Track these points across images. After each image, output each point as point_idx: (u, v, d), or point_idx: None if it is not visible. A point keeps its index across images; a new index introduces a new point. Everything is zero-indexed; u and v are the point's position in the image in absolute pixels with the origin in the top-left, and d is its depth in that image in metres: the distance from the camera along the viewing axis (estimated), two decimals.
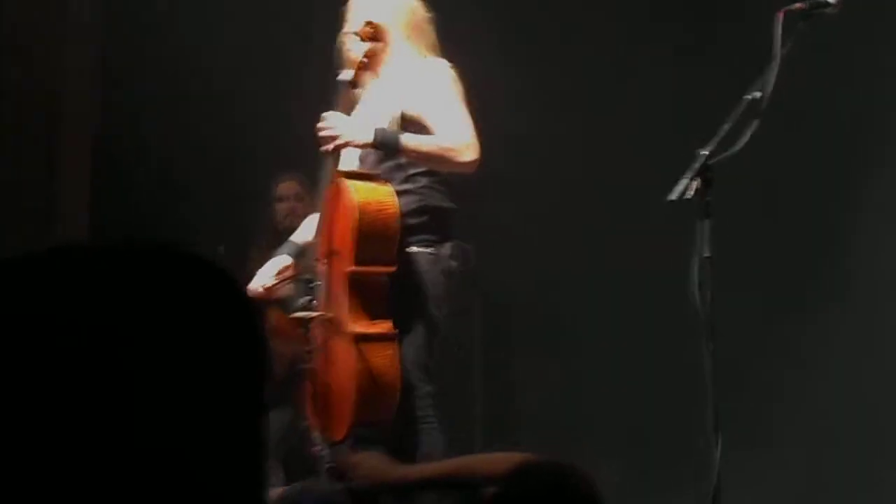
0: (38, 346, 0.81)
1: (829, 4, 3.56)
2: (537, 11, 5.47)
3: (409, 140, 3.59)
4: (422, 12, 3.78)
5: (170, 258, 0.87)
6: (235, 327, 0.87)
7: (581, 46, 5.41)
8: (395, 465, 2.50)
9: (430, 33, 3.76)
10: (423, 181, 3.69)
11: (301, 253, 3.86)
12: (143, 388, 0.82)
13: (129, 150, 5.24)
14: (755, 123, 3.54)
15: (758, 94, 3.54)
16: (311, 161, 3.81)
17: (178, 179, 5.24)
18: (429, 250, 3.66)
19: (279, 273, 3.81)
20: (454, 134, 3.60)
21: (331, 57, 3.80)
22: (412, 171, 3.68)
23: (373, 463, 2.48)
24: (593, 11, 5.48)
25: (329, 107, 3.69)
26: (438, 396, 3.73)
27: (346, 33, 3.75)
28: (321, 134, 3.65)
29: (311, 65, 4.15)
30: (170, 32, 5.14)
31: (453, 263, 3.68)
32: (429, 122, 3.63)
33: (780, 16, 3.58)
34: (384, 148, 3.62)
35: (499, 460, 2.35)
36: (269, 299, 3.91)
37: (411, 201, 3.65)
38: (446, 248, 3.67)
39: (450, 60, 3.74)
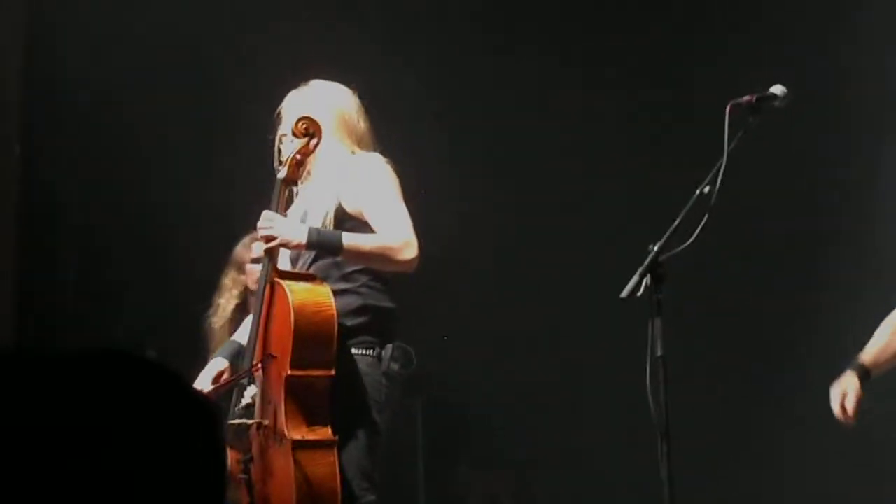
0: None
1: (776, 98, 3.62)
2: (481, 104, 5.54)
3: (349, 240, 3.55)
4: (354, 104, 3.77)
5: (124, 365, 0.87)
6: (194, 432, 0.87)
7: (532, 143, 5.46)
8: None
9: (362, 125, 3.75)
10: (362, 279, 3.65)
11: (239, 355, 3.80)
12: (110, 489, 0.81)
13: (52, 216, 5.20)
14: (706, 217, 3.52)
15: (706, 189, 3.54)
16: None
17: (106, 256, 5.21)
18: (369, 352, 3.63)
19: (216, 378, 3.77)
20: (394, 231, 3.58)
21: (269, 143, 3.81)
22: (349, 269, 3.64)
23: None
24: (542, 111, 5.54)
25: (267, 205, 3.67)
26: None
27: (281, 134, 3.74)
28: (259, 233, 3.62)
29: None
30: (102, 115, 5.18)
31: (395, 366, 3.65)
32: (367, 216, 3.60)
33: (728, 109, 3.59)
34: (321, 248, 3.60)
35: None
36: None
37: (350, 301, 3.62)
38: (387, 350, 3.65)
39: (382, 151, 3.73)
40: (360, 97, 3.81)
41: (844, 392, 3.74)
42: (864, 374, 3.78)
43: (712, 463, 4.91)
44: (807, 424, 4.84)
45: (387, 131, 3.84)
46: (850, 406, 3.86)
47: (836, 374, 3.93)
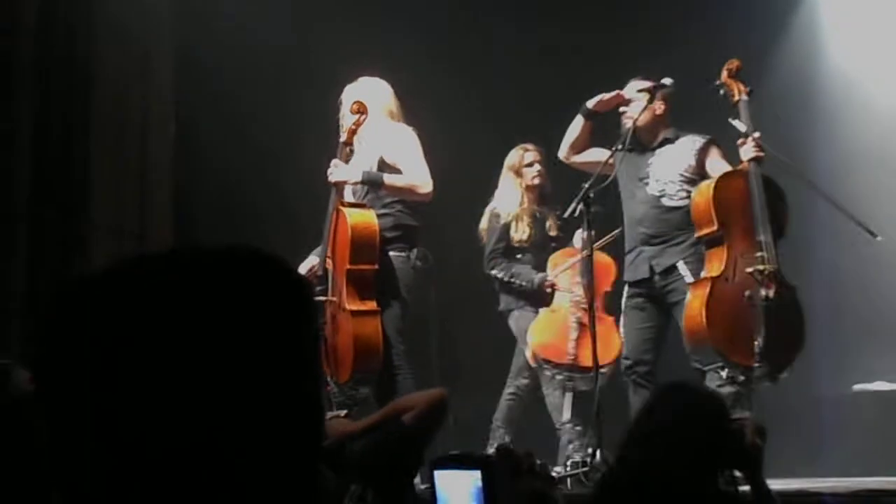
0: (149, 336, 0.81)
1: (666, 86, 4.70)
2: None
3: (388, 178, 4.55)
4: (390, 92, 4.70)
5: (250, 258, 0.87)
6: (297, 313, 0.88)
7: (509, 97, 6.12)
8: (351, 422, 2.96)
9: (397, 106, 4.68)
10: (397, 207, 4.62)
11: (322, 255, 4.61)
12: (231, 370, 0.83)
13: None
14: (618, 167, 4.69)
15: (620, 147, 4.66)
16: (326, 192, 4.64)
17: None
18: (401, 254, 4.57)
19: (310, 270, 4.66)
20: (417, 175, 4.55)
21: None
22: (388, 200, 4.60)
23: (335, 424, 2.87)
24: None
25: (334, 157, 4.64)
26: (409, 353, 4.54)
27: (342, 113, 4.71)
28: (329, 176, 4.63)
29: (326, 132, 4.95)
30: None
31: (419, 263, 4.59)
32: (400, 167, 4.57)
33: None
34: (370, 184, 4.57)
35: (415, 397, 2.99)
36: None
37: (388, 221, 4.56)
38: (414, 253, 4.57)
39: (410, 123, 4.67)
40: (394, 87, 4.69)
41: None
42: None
43: None
44: None
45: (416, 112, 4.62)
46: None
47: None
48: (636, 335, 4.78)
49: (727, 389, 4.28)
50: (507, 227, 5.28)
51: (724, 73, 4.67)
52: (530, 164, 5.39)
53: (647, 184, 4.76)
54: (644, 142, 4.81)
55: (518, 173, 5.40)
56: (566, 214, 4.65)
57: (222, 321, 0.85)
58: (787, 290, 4.49)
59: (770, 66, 5.90)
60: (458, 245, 5.66)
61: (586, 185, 4.64)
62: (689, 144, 4.75)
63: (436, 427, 2.94)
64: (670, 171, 4.73)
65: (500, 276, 5.27)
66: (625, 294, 4.91)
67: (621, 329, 4.94)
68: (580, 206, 4.62)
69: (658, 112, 4.79)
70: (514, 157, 5.40)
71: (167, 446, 0.82)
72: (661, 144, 4.81)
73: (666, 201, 4.72)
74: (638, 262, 4.80)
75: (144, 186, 5.65)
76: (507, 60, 6.40)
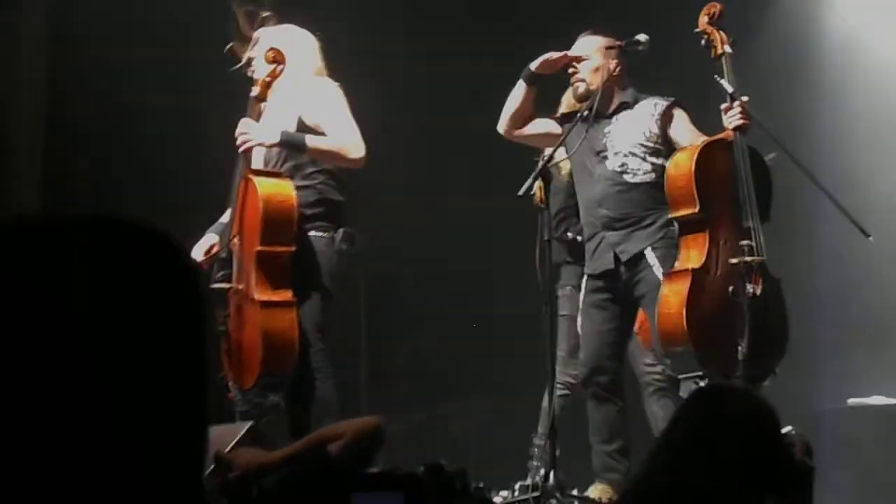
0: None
1: (641, 43, 4.13)
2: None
3: (311, 140, 3.92)
4: (313, 41, 4.10)
5: (120, 227, 0.83)
6: (180, 290, 0.83)
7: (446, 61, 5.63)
8: (264, 452, 2.60)
9: (319, 59, 4.07)
10: (320, 178, 4.00)
11: (225, 232, 4.07)
12: (96, 345, 0.78)
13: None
14: (585, 134, 4.07)
15: (585, 113, 4.09)
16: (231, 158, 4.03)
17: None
18: (324, 235, 3.98)
19: (207, 251, 4.08)
20: (346, 136, 3.93)
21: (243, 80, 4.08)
22: (309, 170, 3.98)
23: (245, 454, 2.60)
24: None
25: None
26: (330, 353, 4.00)
27: (251, 56, 4.09)
28: (237, 138, 3.95)
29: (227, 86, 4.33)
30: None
31: (344, 246, 4.00)
32: (324, 128, 3.93)
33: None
34: (290, 147, 3.93)
35: (344, 425, 2.59)
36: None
37: (309, 194, 3.96)
38: (338, 234, 3.99)
39: (336, 79, 4.04)
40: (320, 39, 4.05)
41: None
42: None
43: None
44: None
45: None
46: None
47: None
48: (596, 339, 4.19)
49: None
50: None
51: (704, 20, 4.04)
52: None
53: (605, 158, 4.20)
54: (598, 108, 4.17)
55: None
56: (521, 192, 3.96)
57: (78, 304, 0.79)
58: (772, 284, 3.90)
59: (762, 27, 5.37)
60: (394, 224, 5.15)
61: (545, 157, 4.10)
62: (648, 108, 4.20)
63: (367, 461, 2.60)
64: (630, 142, 4.17)
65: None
66: (583, 289, 4.30)
67: (578, 330, 4.34)
68: (537, 183, 4.00)
69: (613, 72, 4.17)
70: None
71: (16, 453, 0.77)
72: (619, 110, 4.24)
73: (628, 178, 4.16)
74: (600, 251, 4.21)
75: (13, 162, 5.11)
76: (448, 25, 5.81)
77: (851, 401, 4.57)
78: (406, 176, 5.24)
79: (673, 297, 3.86)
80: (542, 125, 4.34)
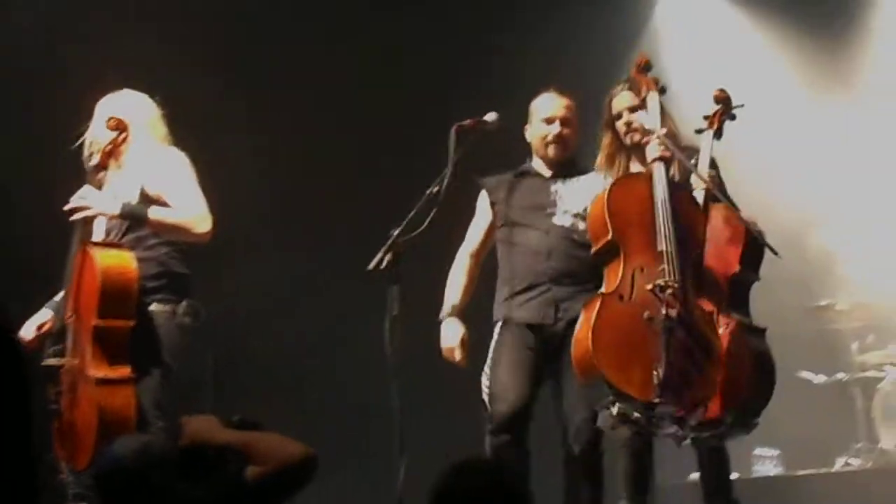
0: None
1: (489, 122, 4.07)
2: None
3: (153, 213, 3.76)
4: (156, 110, 3.96)
5: None
6: (6, 372, 0.81)
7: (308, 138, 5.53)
8: (220, 428, 2.51)
9: (163, 126, 3.93)
10: (163, 249, 3.84)
11: (59, 308, 3.87)
12: None
13: None
14: (434, 211, 3.92)
15: (435, 189, 3.93)
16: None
17: None
18: (165, 308, 3.80)
19: (39, 326, 3.91)
20: (191, 208, 3.77)
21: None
22: (152, 242, 3.82)
23: (198, 424, 2.51)
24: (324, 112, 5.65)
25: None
26: (172, 430, 3.50)
27: (91, 130, 3.92)
28: (75, 205, 3.77)
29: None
30: None
31: (186, 319, 3.82)
32: (167, 199, 3.77)
33: (454, 130, 4.00)
34: (132, 218, 3.77)
35: (277, 445, 2.45)
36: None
37: (151, 266, 3.79)
38: (181, 307, 3.81)
39: (184, 148, 3.89)
40: (161, 104, 3.95)
41: (461, 339, 4.05)
42: (460, 315, 4.12)
43: (439, 400, 5.18)
44: None
45: (184, 132, 3.93)
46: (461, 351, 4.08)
47: None
48: (517, 387, 4.00)
49: (622, 432, 3.66)
50: None
51: (633, 70, 4.16)
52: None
53: (552, 213, 4.16)
54: (548, 166, 4.27)
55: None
56: (371, 266, 3.87)
57: None
58: (701, 311, 3.73)
59: None
60: (245, 295, 4.98)
61: (395, 232, 3.90)
62: (600, 181, 4.14)
63: (283, 498, 2.39)
64: (580, 205, 4.12)
65: None
66: (497, 332, 4.13)
67: (484, 380, 4.09)
68: (387, 257, 3.87)
69: (566, 134, 4.25)
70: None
71: None
72: (569, 173, 4.25)
73: (577, 237, 4.08)
74: (541, 303, 4.06)
75: None
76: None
77: (694, 475, 4.50)
78: (261, 247, 5.13)
79: (584, 323, 3.69)
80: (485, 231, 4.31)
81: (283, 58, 5.65)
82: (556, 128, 4.22)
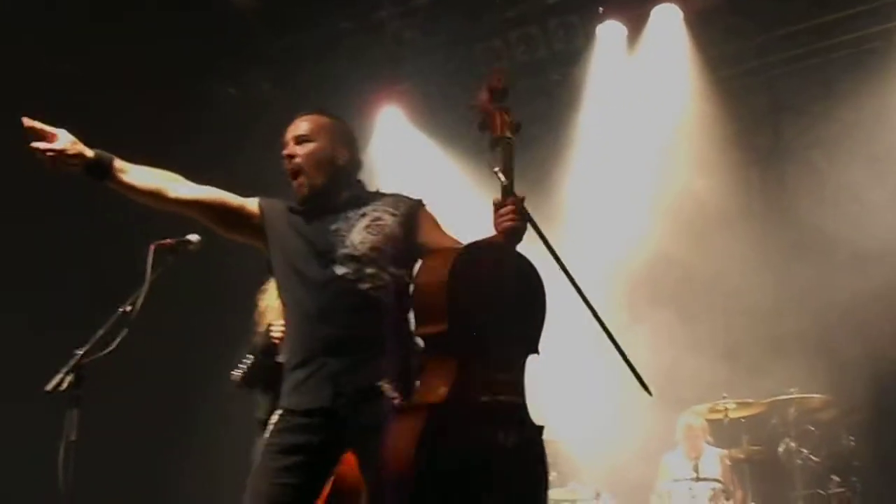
0: None
1: (191, 243, 3.80)
2: None
3: None
4: None
5: None
6: None
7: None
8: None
9: None
10: None
11: None
12: None
13: None
14: (124, 331, 3.64)
15: (128, 308, 3.68)
16: None
17: None
18: None
19: None
20: None
21: None
22: None
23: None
24: None
25: None
26: None
27: None
28: None
29: None
30: None
31: None
32: None
33: (152, 248, 3.75)
34: None
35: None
36: None
37: None
38: None
39: None
40: None
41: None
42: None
43: None
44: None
45: None
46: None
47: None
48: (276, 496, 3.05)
49: None
50: None
51: (485, 96, 3.13)
52: None
53: (330, 261, 3.22)
54: (321, 201, 3.34)
55: None
56: (49, 387, 3.50)
57: None
58: (531, 431, 3.03)
59: None
60: None
61: (80, 352, 3.55)
62: (390, 208, 3.33)
63: None
64: (366, 244, 3.25)
65: None
66: (272, 426, 3.23)
67: (249, 489, 3.20)
68: (68, 378, 3.53)
69: (340, 161, 3.37)
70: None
71: None
72: (347, 206, 3.36)
73: (364, 286, 3.18)
74: (315, 383, 3.13)
75: None
76: None
77: None
78: None
79: (403, 434, 2.81)
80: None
81: None
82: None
